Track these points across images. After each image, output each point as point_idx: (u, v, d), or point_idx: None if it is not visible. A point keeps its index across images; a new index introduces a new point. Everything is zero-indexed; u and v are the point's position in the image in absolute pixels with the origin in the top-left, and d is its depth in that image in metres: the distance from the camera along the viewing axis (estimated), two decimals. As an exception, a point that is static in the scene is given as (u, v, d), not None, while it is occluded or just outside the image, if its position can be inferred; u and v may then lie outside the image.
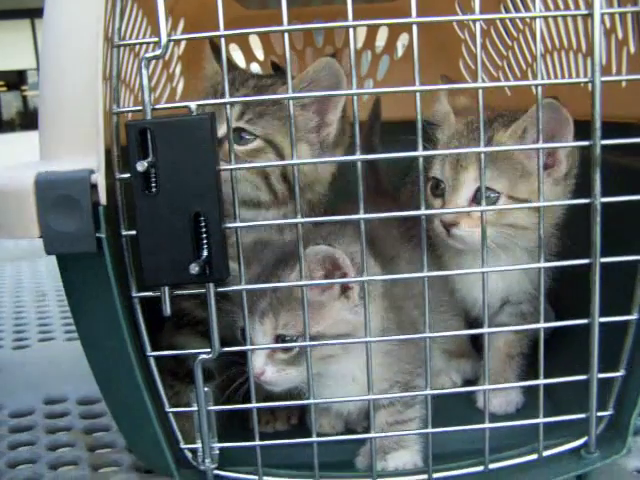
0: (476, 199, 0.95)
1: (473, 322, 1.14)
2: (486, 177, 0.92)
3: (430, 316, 0.83)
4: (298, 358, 0.85)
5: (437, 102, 1.06)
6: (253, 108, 0.92)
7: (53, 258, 0.78)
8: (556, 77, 1.24)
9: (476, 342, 1.19)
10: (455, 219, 0.95)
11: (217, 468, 0.85)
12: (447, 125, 1.05)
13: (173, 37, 0.74)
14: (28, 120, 12.23)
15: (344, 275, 0.84)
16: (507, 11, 1.29)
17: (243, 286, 0.79)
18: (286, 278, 0.86)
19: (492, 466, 0.86)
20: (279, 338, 0.86)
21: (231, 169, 0.75)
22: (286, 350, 0.86)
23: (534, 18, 0.75)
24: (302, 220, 0.77)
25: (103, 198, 0.73)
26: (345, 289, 0.86)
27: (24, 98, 12.76)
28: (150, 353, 0.81)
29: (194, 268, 0.70)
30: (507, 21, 1.35)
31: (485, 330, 0.83)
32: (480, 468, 0.87)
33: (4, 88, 12.66)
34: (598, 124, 0.74)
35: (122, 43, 0.76)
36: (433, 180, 1.02)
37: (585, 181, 0.78)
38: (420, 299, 0.82)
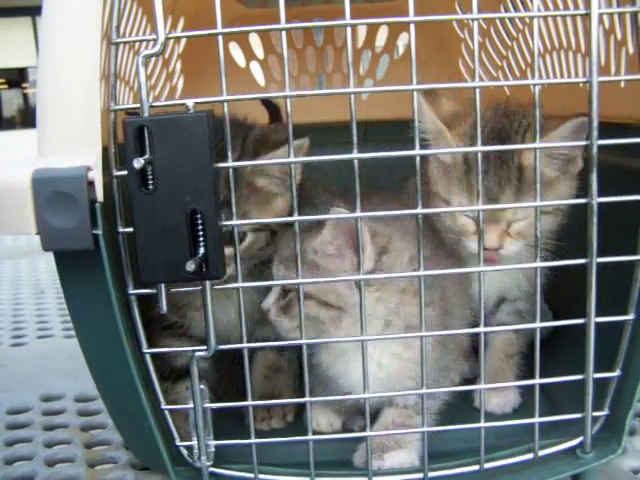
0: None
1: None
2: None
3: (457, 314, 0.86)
4: (289, 308, 0.90)
5: (423, 118, 0.97)
6: None
7: (52, 255, 0.78)
8: (556, 77, 1.24)
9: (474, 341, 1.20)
10: (496, 243, 0.95)
11: (213, 465, 0.85)
12: (444, 142, 0.97)
13: (171, 35, 0.74)
14: (29, 118, 12.20)
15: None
16: (507, 11, 1.29)
17: (240, 284, 0.79)
18: (310, 241, 0.88)
19: (488, 465, 0.86)
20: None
21: (229, 166, 0.75)
22: (284, 298, 0.91)
23: (532, 17, 0.75)
24: (299, 218, 0.78)
25: (100, 195, 0.73)
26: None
27: (25, 96, 12.73)
28: (146, 350, 0.82)
29: (190, 265, 0.70)
30: (507, 21, 1.35)
31: (481, 329, 0.83)
32: (476, 467, 0.87)
33: (5, 86, 12.63)
34: (595, 124, 0.74)
35: (120, 40, 0.76)
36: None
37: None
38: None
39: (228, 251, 0.82)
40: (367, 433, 0.86)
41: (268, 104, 1.45)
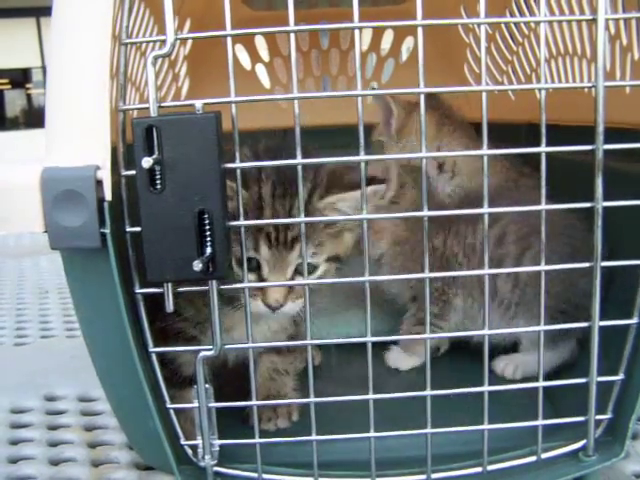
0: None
1: None
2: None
3: None
4: None
5: None
6: None
7: (55, 255, 0.78)
8: (560, 82, 1.24)
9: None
10: None
11: (217, 465, 0.85)
12: None
13: (180, 36, 0.74)
14: (32, 118, 12.24)
15: None
16: (512, 16, 1.30)
17: (246, 284, 0.80)
18: None
19: (490, 468, 0.87)
20: None
21: (236, 167, 0.76)
22: None
23: (539, 23, 0.75)
24: (305, 220, 0.78)
25: (108, 194, 0.73)
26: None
27: (28, 96, 12.78)
28: (152, 349, 0.82)
29: (197, 265, 0.70)
30: (512, 26, 1.36)
31: (485, 332, 0.84)
32: (478, 469, 0.87)
33: (8, 86, 12.68)
34: (601, 129, 0.75)
35: (130, 41, 0.77)
36: None
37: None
38: None
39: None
40: (370, 434, 0.86)
41: None
